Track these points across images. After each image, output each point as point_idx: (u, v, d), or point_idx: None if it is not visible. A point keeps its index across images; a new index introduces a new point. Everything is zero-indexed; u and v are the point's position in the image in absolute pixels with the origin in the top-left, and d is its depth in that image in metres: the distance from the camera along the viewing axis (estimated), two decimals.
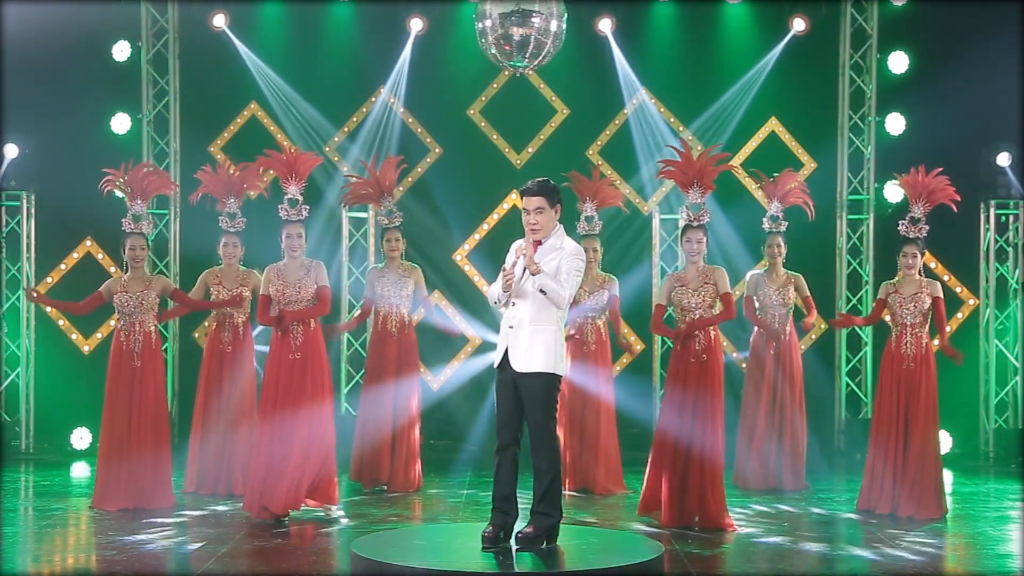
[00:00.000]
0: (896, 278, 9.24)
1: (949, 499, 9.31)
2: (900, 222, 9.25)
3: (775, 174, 10.61)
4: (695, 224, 8.59)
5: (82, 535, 8.22)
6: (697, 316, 8.50)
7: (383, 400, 10.00)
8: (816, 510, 9.32)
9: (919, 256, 9.15)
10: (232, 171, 9.92)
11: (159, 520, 8.55)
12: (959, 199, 9.36)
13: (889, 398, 9.10)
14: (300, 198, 8.82)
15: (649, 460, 8.64)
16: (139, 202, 9.23)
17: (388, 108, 12.75)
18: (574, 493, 9.87)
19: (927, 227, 9.20)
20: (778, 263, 10.32)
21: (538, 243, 7.07)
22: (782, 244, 10.31)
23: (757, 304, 10.29)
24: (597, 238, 10.23)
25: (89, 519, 8.72)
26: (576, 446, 9.99)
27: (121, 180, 9.29)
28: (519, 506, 7.07)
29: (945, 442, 12.12)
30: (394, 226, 10.22)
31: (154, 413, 9.06)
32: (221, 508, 9.08)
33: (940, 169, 9.33)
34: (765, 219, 10.23)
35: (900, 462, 8.99)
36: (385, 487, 9.98)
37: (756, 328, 10.32)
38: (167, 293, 9.33)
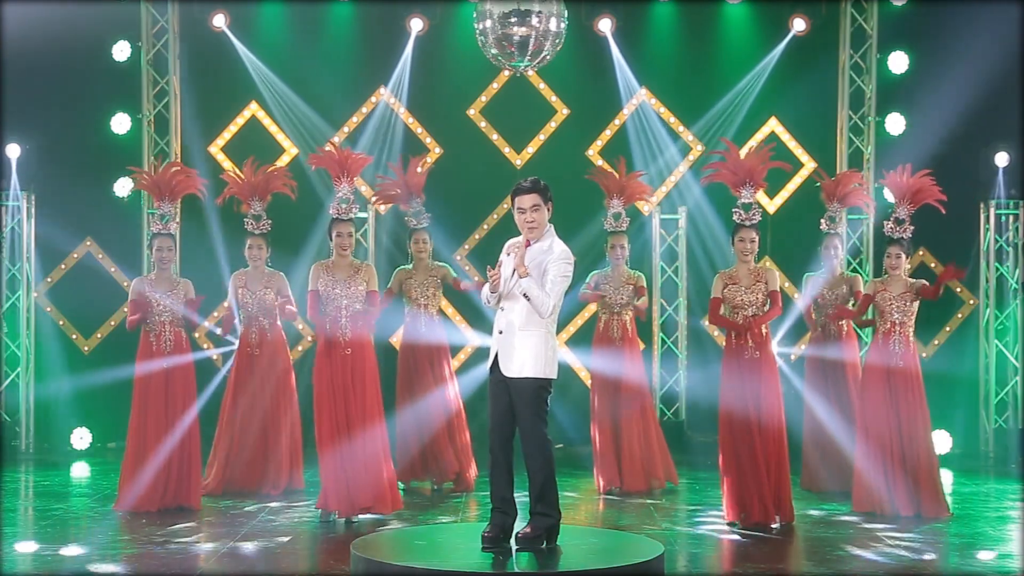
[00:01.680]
0: (883, 277, 9.25)
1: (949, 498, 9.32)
2: (885, 222, 9.24)
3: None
4: (747, 224, 8.61)
5: (82, 535, 8.21)
6: (750, 314, 8.55)
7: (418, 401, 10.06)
8: (814, 511, 9.31)
9: (903, 257, 9.14)
10: (257, 172, 9.85)
11: (159, 520, 8.55)
12: (945, 199, 9.33)
13: (875, 396, 9.08)
14: (352, 197, 8.81)
15: (723, 461, 8.60)
16: (167, 202, 9.21)
17: (390, 111, 12.74)
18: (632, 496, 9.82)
19: (912, 227, 9.19)
20: (835, 265, 10.05)
21: (527, 243, 7.09)
22: (839, 246, 10.09)
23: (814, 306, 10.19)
24: (624, 235, 10.10)
25: (89, 519, 8.72)
26: (616, 445, 9.96)
27: (146, 179, 9.27)
28: (518, 507, 7.09)
29: (945, 442, 12.14)
30: (422, 227, 10.20)
31: (189, 414, 9.01)
32: (246, 508, 9.10)
33: (927, 171, 9.31)
34: (823, 220, 10.08)
35: (899, 460, 8.97)
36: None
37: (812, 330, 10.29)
38: (185, 300, 9.25)
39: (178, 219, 12.45)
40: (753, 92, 12.66)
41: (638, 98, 12.77)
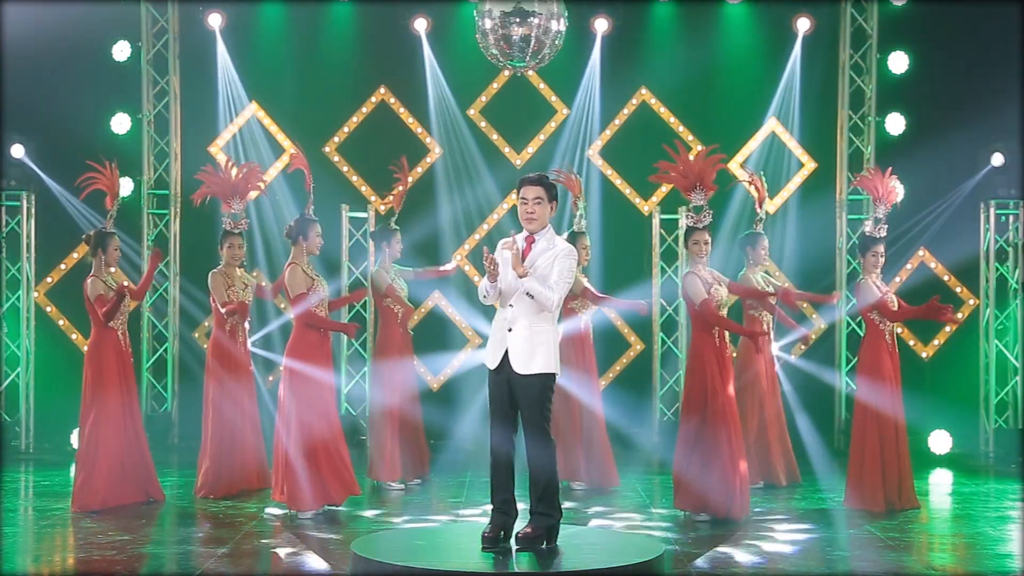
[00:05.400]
0: (873, 277, 9.17)
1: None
2: (865, 223, 9.19)
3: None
4: (700, 226, 8.60)
5: (82, 535, 8.20)
6: (724, 313, 8.74)
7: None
8: (818, 507, 9.31)
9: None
10: (235, 172, 9.83)
11: (159, 520, 8.55)
12: (897, 202, 9.36)
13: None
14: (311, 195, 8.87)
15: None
16: (117, 201, 9.26)
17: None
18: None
19: (887, 226, 9.20)
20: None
21: (532, 240, 7.09)
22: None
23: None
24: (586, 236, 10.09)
25: (89, 519, 8.72)
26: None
27: (99, 177, 9.27)
28: (518, 506, 7.09)
29: (945, 442, 12.14)
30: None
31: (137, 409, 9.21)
32: (245, 508, 9.12)
33: (890, 169, 9.33)
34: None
35: (890, 456, 9.01)
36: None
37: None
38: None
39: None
40: (755, 93, 12.68)
41: (636, 99, 12.77)
